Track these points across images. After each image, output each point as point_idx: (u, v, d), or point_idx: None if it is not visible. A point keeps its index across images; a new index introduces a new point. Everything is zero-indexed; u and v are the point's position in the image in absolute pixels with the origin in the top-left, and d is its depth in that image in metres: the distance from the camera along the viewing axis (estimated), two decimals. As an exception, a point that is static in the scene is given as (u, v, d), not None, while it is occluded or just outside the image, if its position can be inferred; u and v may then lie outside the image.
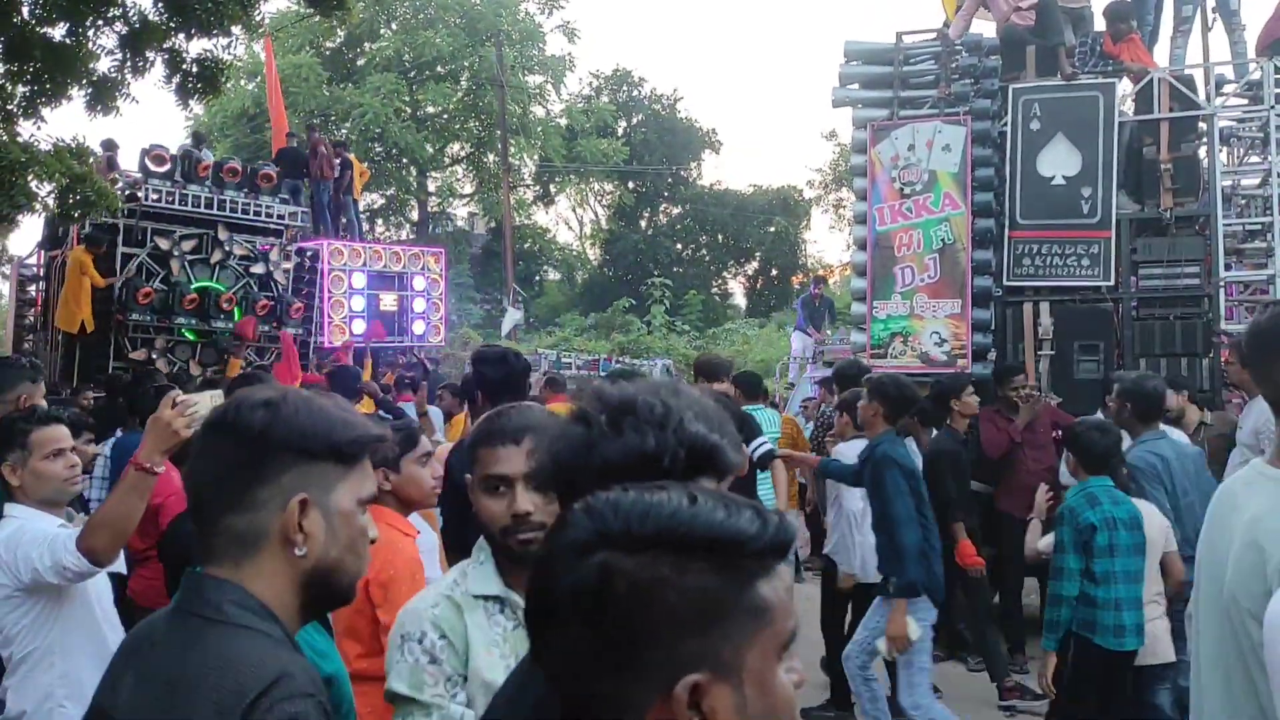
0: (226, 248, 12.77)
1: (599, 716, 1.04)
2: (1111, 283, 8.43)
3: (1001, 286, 8.72)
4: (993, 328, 8.74)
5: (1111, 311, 8.46)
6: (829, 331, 15.98)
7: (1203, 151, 8.82)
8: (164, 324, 12.10)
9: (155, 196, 12.09)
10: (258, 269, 13.17)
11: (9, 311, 14.27)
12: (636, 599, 1.02)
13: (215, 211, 12.56)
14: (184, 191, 12.20)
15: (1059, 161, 8.59)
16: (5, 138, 8.60)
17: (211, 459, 1.56)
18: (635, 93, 39.76)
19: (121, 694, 1.49)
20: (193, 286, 12.33)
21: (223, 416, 1.57)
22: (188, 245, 12.42)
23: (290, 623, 1.55)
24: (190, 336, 12.50)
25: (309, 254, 14.86)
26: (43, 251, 13.10)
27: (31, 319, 13.34)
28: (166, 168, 12.35)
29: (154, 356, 11.89)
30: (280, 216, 13.50)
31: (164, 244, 12.24)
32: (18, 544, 3.02)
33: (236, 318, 12.59)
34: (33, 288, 13.44)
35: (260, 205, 13.10)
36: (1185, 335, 8.19)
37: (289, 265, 13.68)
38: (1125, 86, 8.92)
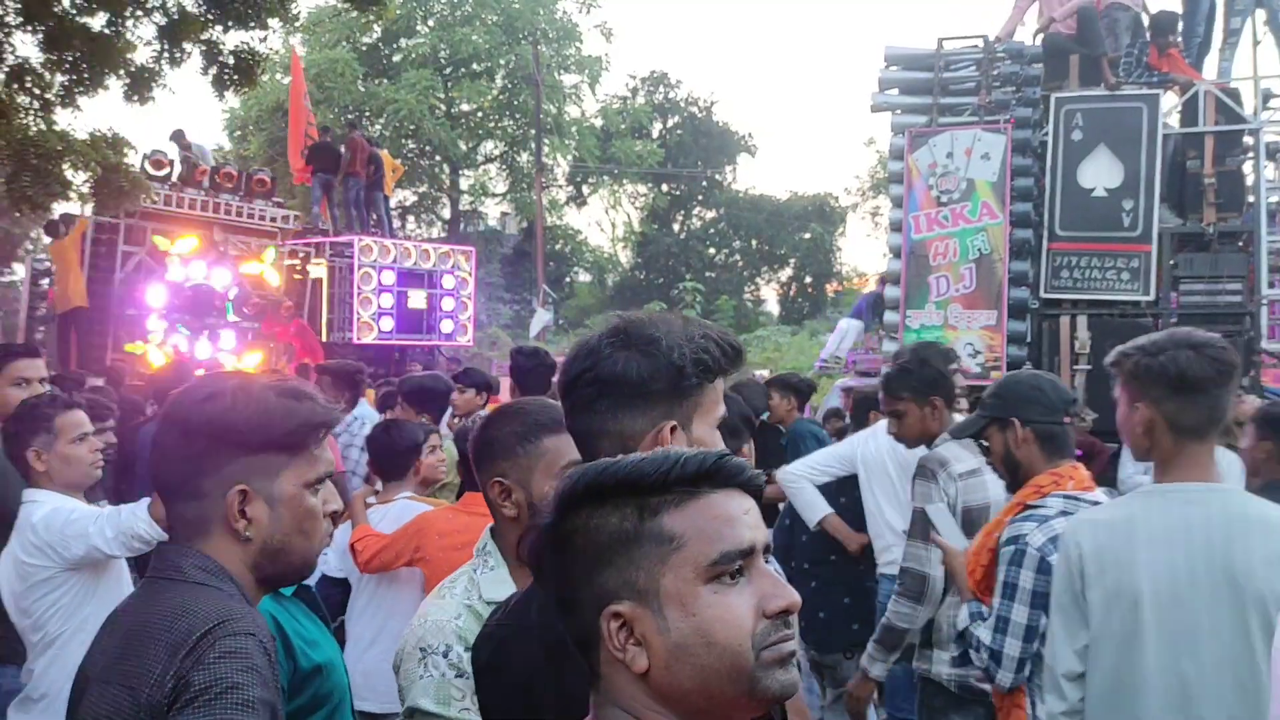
0: (221, 248, 13.46)
1: (578, 648, 1.18)
2: (1151, 297, 8.28)
3: (1038, 299, 8.58)
4: (1028, 340, 8.59)
5: (1151, 327, 8.28)
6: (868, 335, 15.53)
7: (1248, 166, 8.65)
8: (160, 318, 12.79)
9: (155, 199, 12.67)
10: (250, 269, 13.84)
11: (24, 303, 15.08)
12: (562, 549, 1.17)
13: (211, 214, 13.29)
14: (181, 195, 12.88)
15: (1100, 173, 8.44)
16: (43, 126, 8.66)
17: (162, 449, 1.67)
18: (671, 95, 39.74)
19: (95, 654, 1.62)
20: (188, 284, 13.03)
21: (172, 409, 1.68)
22: (185, 245, 13.09)
23: (252, 589, 1.67)
24: (184, 331, 13.07)
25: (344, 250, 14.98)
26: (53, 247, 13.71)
27: (44, 310, 14.10)
28: (165, 171, 12.99)
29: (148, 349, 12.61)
30: (274, 219, 14.21)
31: (162, 244, 12.97)
32: (64, 523, 3.05)
33: (229, 315, 13.32)
34: (45, 281, 14.22)
35: (254, 208, 13.85)
36: (1226, 353, 8.01)
37: (282, 265, 14.29)
38: (1170, 99, 8.77)
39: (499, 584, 2.00)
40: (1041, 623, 2.63)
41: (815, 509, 4.92)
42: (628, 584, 1.13)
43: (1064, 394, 3.02)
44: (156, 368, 10.92)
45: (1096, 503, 2.75)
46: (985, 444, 3.06)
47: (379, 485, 4.29)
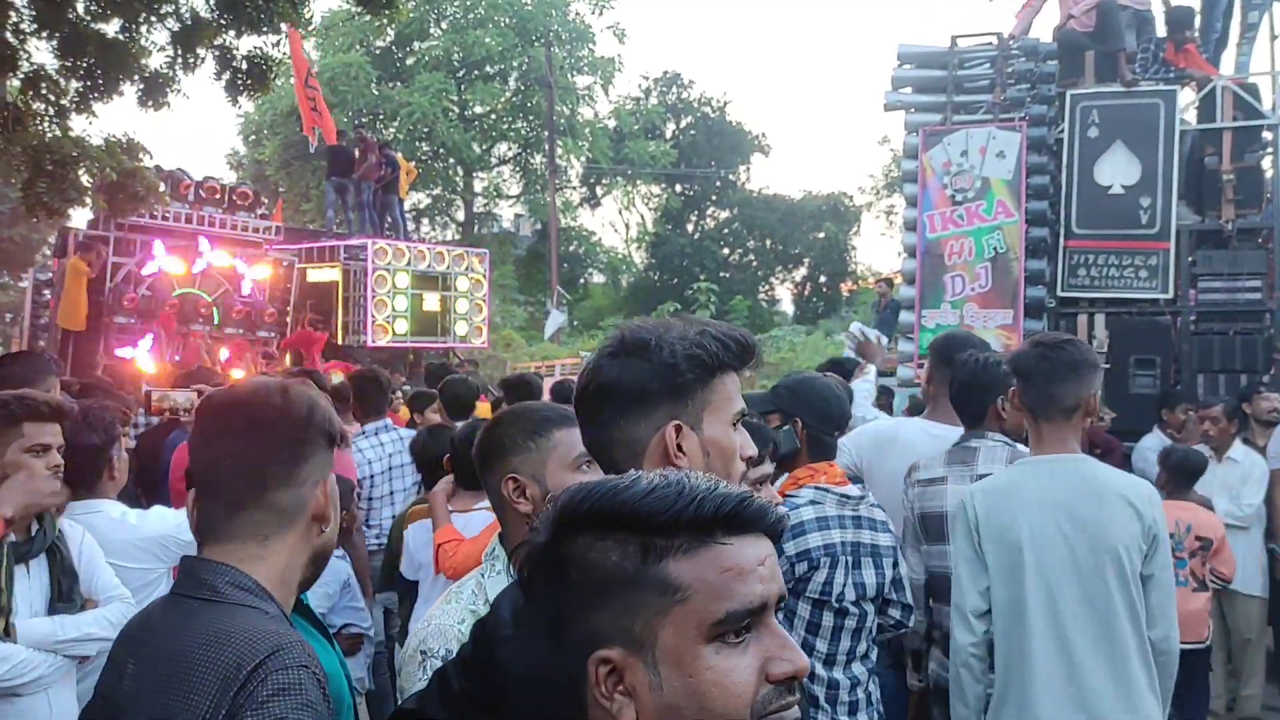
0: (206, 259, 13.95)
1: (561, 682, 1.08)
2: (1170, 295, 8.21)
3: (1055, 297, 8.53)
4: (1045, 340, 8.52)
5: (1169, 325, 8.24)
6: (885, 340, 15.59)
7: (1267, 162, 8.59)
8: (147, 326, 13.27)
9: (142, 212, 12.99)
10: (235, 277, 14.34)
11: (26, 313, 15.59)
12: (555, 576, 1.08)
13: (196, 226, 13.80)
14: (168, 208, 13.27)
15: (1117, 170, 8.38)
16: (58, 132, 8.69)
17: (240, 451, 1.64)
18: (684, 95, 39.67)
19: (125, 682, 1.54)
20: (175, 293, 13.57)
21: (267, 400, 1.68)
22: (171, 256, 13.63)
23: (287, 601, 1.65)
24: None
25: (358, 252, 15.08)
26: (58, 259, 14.03)
27: (46, 320, 14.42)
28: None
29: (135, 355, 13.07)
30: (256, 230, 14.69)
31: (149, 255, 13.47)
32: (175, 523, 3.01)
33: (215, 321, 13.91)
34: (47, 291, 14.57)
35: (238, 220, 14.38)
36: (1245, 351, 7.95)
37: (265, 274, 14.73)
38: (1187, 95, 8.69)
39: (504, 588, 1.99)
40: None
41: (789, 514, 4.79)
42: (621, 630, 1.04)
43: (845, 412, 3.47)
44: (178, 373, 11.11)
45: (847, 495, 3.16)
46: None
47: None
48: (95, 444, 3.15)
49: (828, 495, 3.12)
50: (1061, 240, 8.48)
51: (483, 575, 2.07)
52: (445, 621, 2.01)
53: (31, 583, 2.80)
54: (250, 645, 1.47)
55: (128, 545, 3.03)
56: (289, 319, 14.98)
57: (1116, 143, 8.41)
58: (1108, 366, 8.15)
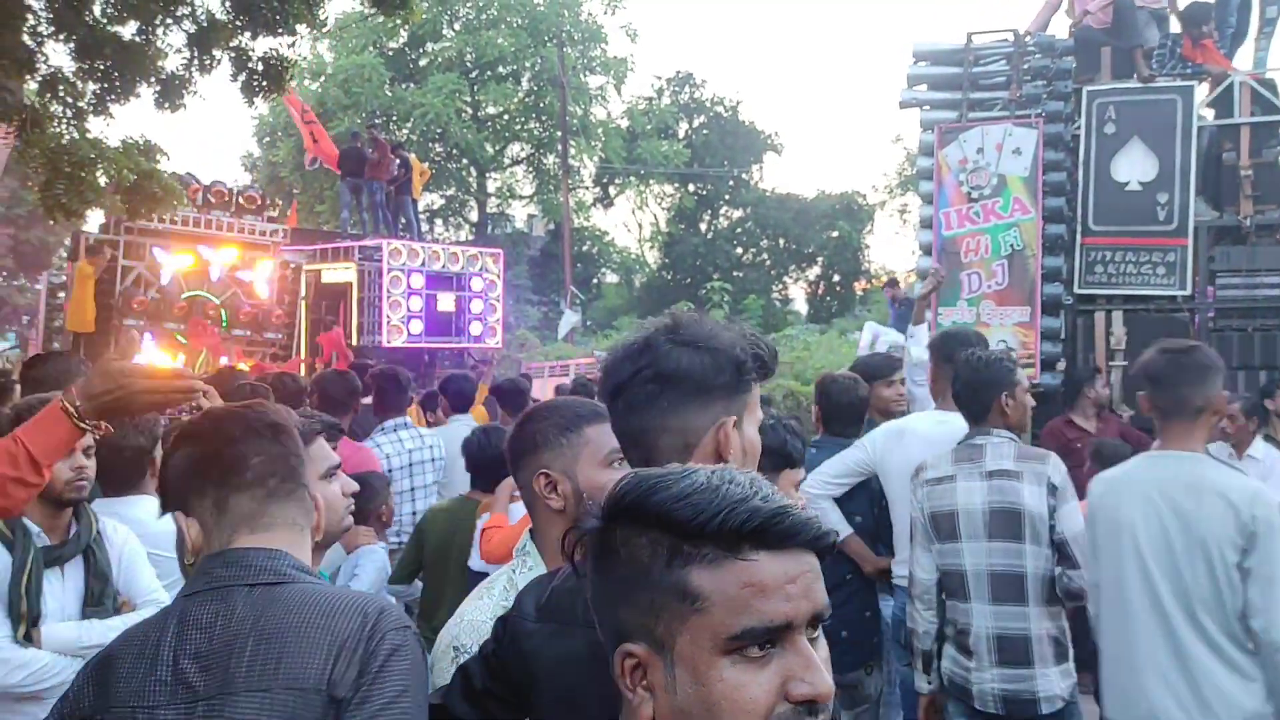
0: (214, 262, 14.26)
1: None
2: (1188, 292, 8.16)
3: (1073, 294, 8.48)
4: (1063, 337, 8.49)
5: (1188, 322, 8.18)
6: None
7: (1286, 157, 8.50)
8: (156, 328, 13.59)
9: (160, 214, 13.14)
10: (243, 280, 14.59)
11: (40, 315, 15.92)
12: (599, 564, 1.10)
13: (204, 230, 14.09)
14: (176, 214, 13.45)
15: (1134, 166, 8.34)
16: (76, 134, 8.72)
17: (279, 440, 1.80)
18: (697, 95, 39.67)
19: (214, 674, 1.56)
20: (183, 296, 13.88)
21: (275, 408, 1.89)
22: (180, 259, 13.93)
23: None
24: (181, 340, 13.88)
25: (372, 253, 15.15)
26: (71, 263, 14.26)
27: (60, 322, 14.72)
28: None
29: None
30: (263, 234, 14.90)
31: (159, 258, 13.80)
32: None
33: (224, 323, 14.21)
34: (62, 294, 14.81)
35: (245, 223, 14.64)
36: (1265, 347, 7.90)
37: (273, 276, 14.95)
38: (1203, 90, 8.64)
39: None
40: None
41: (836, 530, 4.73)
42: (645, 629, 1.06)
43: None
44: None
45: None
46: None
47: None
48: (141, 445, 3.22)
49: None
50: (1079, 237, 8.44)
51: (514, 571, 2.07)
52: (478, 617, 2.01)
53: (66, 585, 2.82)
54: (360, 609, 1.60)
55: (168, 536, 3.07)
56: (302, 320, 15.12)
57: (1134, 139, 8.37)
58: (1125, 364, 8.12)
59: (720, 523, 1.02)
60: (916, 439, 4.33)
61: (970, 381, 3.71)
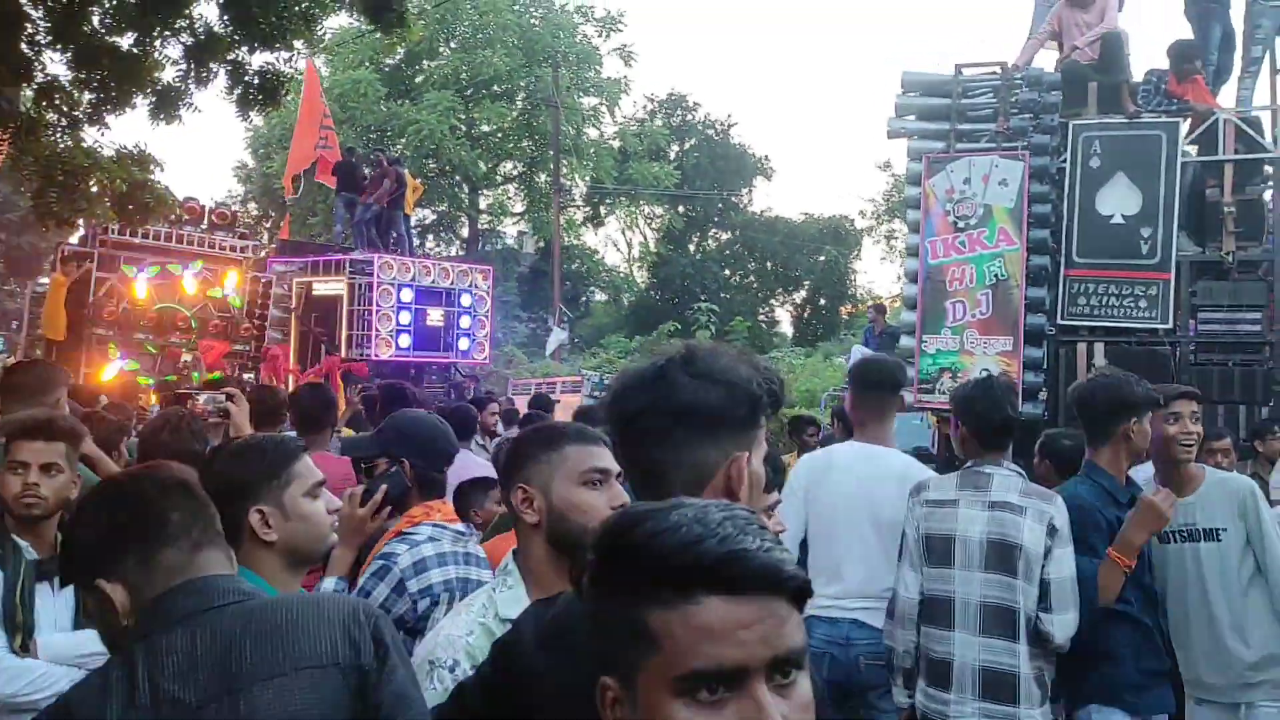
0: (185, 275, 14.70)
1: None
2: (1169, 325, 8.25)
3: (1055, 325, 8.56)
4: (1045, 367, 8.58)
5: (1168, 355, 8.27)
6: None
7: (1268, 195, 8.63)
8: (126, 338, 14.02)
9: (125, 230, 13.70)
10: (214, 293, 15.06)
11: (24, 322, 16.37)
12: (591, 590, 1.11)
13: (176, 244, 14.57)
14: (148, 227, 13.75)
15: (1118, 200, 8.44)
16: (70, 143, 8.76)
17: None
18: (689, 117, 39.83)
19: (211, 681, 1.55)
20: (155, 308, 14.30)
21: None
22: (152, 272, 14.38)
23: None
24: (151, 350, 14.34)
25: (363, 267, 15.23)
26: (53, 271, 14.73)
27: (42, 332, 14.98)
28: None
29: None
30: (233, 249, 15.41)
31: (130, 271, 14.24)
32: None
33: (194, 335, 14.63)
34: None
35: (216, 238, 15.18)
36: (1244, 382, 7.98)
37: (243, 289, 15.39)
38: (1188, 126, 8.76)
39: (515, 603, 2.00)
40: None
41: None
42: (616, 664, 1.07)
43: (452, 448, 3.43)
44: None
45: (461, 532, 3.19)
46: (372, 468, 3.36)
47: None
48: (197, 450, 3.30)
49: (444, 532, 3.14)
50: (1062, 269, 8.53)
51: (494, 590, 2.10)
52: (455, 633, 2.04)
53: (57, 599, 2.85)
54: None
55: None
56: (292, 331, 15.25)
57: (1118, 173, 8.47)
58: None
59: (674, 565, 1.03)
60: (842, 473, 4.21)
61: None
